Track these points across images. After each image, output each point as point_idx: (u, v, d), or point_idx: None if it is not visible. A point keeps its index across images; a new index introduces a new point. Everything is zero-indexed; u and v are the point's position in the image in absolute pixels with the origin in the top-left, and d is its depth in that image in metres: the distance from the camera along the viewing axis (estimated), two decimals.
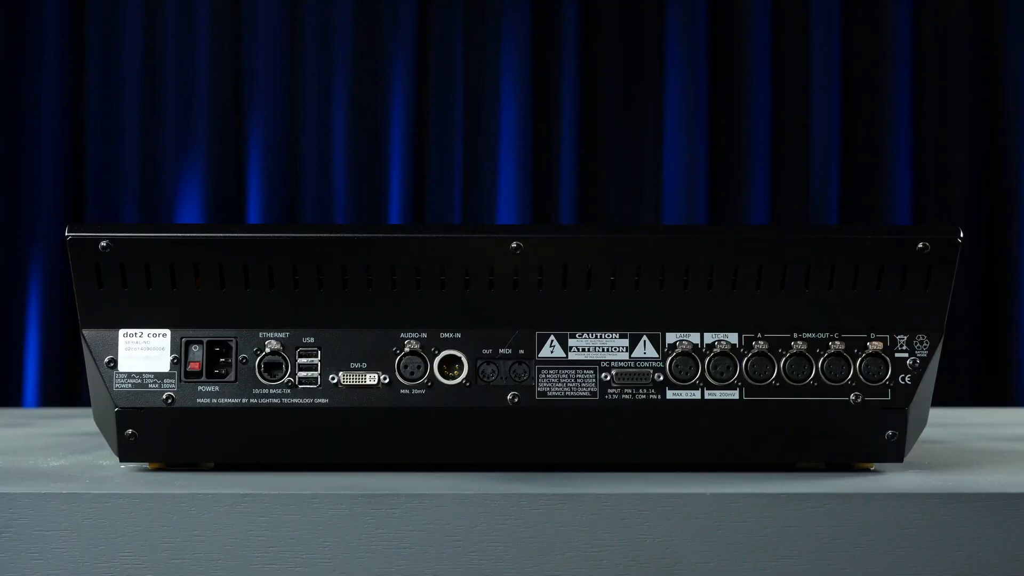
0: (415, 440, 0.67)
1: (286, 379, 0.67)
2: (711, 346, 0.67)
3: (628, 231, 0.67)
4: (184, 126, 2.72)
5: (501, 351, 0.67)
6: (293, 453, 0.68)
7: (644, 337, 0.68)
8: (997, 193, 2.76)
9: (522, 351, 0.67)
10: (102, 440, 0.70)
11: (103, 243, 0.64)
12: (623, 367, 0.67)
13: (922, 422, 0.69)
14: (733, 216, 2.77)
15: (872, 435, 0.67)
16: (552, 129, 2.77)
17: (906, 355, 0.68)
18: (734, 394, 0.67)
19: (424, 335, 0.67)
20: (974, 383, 2.72)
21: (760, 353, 0.67)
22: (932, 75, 2.78)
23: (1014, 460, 0.78)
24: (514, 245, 0.65)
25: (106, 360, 0.66)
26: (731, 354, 0.67)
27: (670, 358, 0.67)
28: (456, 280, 0.66)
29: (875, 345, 0.68)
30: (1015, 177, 2.75)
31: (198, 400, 0.66)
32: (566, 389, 0.67)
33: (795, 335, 0.68)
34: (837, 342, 0.68)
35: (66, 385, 2.68)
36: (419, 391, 0.67)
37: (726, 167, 2.77)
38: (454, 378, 0.67)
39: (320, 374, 0.67)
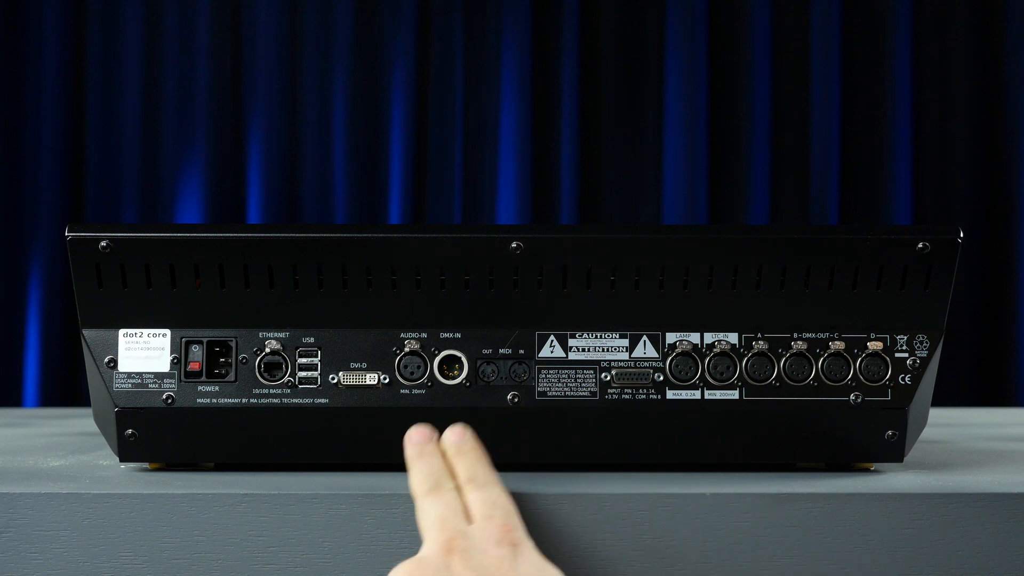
0: None
1: (286, 379, 0.67)
2: (711, 346, 0.67)
3: (628, 231, 0.67)
4: (184, 126, 2.72)
5: (501, 351, 0.67)
6: (293, 453, 0.68)
7: (644, 337, 0.68)
8: (997, 193, 2.76)
9: (522, 351, 0.67)
10: (102, 440, 0.70)
11: (103, 243, 0.64)
12: (623, 367, 0.67)
13: (922, 422, 0.69)
14: (733, 216, 2.77)
15: (872, 435, 0.67)
16: (552, 129, 2.77)
17: (906, 355, 0.68)
18: (734, 394, 0.67)
19: (424, 335, 0.67)
20: (974, 383, 2.72)
21: (760, 353, 0.67)
22: (932, 75, 2.78)
23: (1014, 460, 0.78)
24: (514, 245, 0.65)
25: (106, 360, 0.66)
26: (731, 354, 0.67)
27: (670, 358, 0.67)
28: (456, 280, 0.66)
29: (875, 345, 0.67)
30: (1015, 177, 2.75)
31: (198, 400, 0.66)
32: (566, 389, 0.67)
33: (795, 335, 0.67)
34: (837, 342, 0.67)
35: (66, 385, 2.68)
36: (419, 391, 0.67)
37: (726, 167, 2.77)
38: (454, 378, 0.67)
39: (320, 374, 0.67)
